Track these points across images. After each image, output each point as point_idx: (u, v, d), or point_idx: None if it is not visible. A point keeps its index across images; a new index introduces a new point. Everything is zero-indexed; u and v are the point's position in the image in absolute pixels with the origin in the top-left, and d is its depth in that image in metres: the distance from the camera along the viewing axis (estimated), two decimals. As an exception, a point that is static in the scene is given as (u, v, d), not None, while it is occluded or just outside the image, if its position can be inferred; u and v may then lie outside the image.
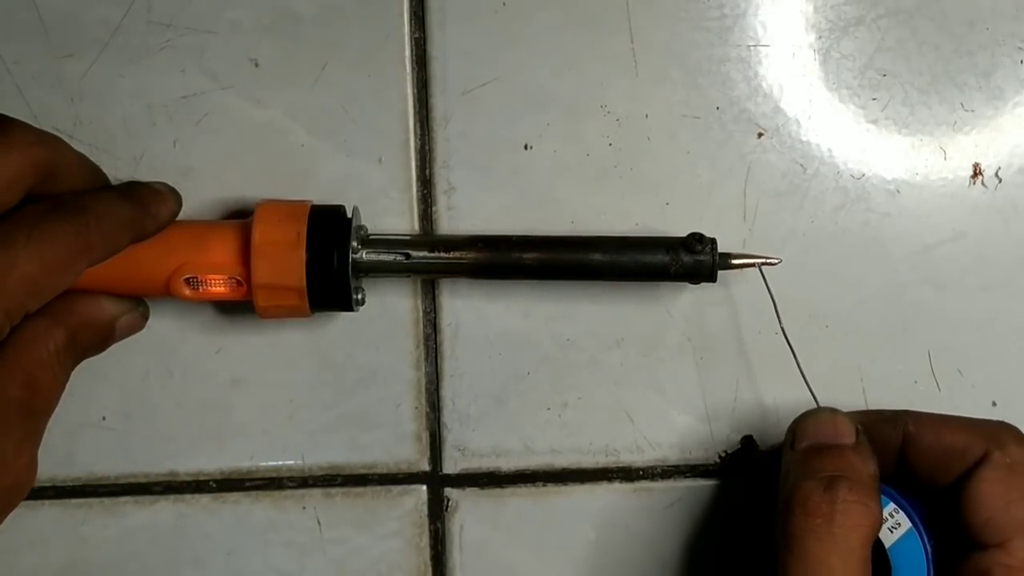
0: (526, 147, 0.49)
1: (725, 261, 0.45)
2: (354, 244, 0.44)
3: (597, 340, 0.50)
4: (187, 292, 0.44)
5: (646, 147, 0.49)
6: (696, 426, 0.51)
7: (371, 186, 0.49)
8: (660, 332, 0.50)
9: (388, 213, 0.49)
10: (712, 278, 0.45)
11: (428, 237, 0.47)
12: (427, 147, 0.49)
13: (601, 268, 0.45)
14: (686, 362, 0.50)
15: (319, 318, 0.49)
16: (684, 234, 0.46)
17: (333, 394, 0.50)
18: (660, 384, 0.51)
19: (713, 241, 0.44)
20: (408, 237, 0.47)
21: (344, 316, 0.49)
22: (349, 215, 0.46)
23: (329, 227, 0.43)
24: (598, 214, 0.50)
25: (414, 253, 0.45)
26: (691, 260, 0.44)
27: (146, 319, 0.46)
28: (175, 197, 0.44)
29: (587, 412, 0.50)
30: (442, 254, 0.45)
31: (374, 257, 0.45)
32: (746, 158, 0.50)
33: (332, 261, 0.43)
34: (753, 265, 0.46)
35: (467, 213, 0.50)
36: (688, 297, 0.50)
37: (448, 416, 0.50)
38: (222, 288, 0.44)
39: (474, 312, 0.50)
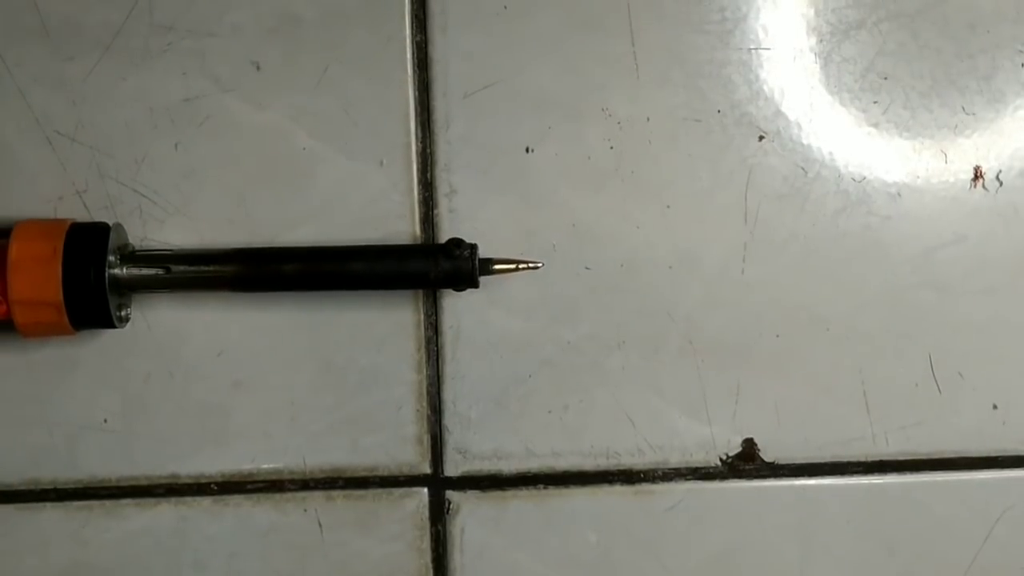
0: (527, 150, 0.49)
1: (487, 266, 0.46)
2: (112, 259, 0.44)
3: (598, 343, 0.50)
4: None
5: (647, 150, 0.49)
6: (697, 429, 0.51)
7: (372, 189, 0.49)
8: (662, 335, 0.50)
9: (390, 216, 0.49)
10: (474, 283, 0.45)
11: (189, 251, 0.47)
12: (428, 150, 0.49)
13: (361, 277, 0.45)
14: (687, 365, 0.50)
15: (320, 320, 0.49)
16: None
17: (334, 397, 0.50)
18: (661, 387, 0.50)
19: (473, 247, 0.45)
20: (170, 252, 0.46)
21: (346, 318, 0.49)
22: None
23: (87, 243, 0.43)
24: (599, 217, 0.49)
25: (174, 267, 0.45)
26: (450, 266, 0.44)
27: None
28: None
29: (588, 415, 0.50)
30: (202, 267, 0.45)
31: (135, 272, 0.45)
32: (747, 161, 0.50)
33: (89, 276, 0.43)
34: (515, 269, 0.46)
35: (468, 216, 0.49)
36: (690, 300, 0.50)
37: (449, 419, 0.50)
38: (-19, 306, 0.42)
39: (475, 315, 0.50)
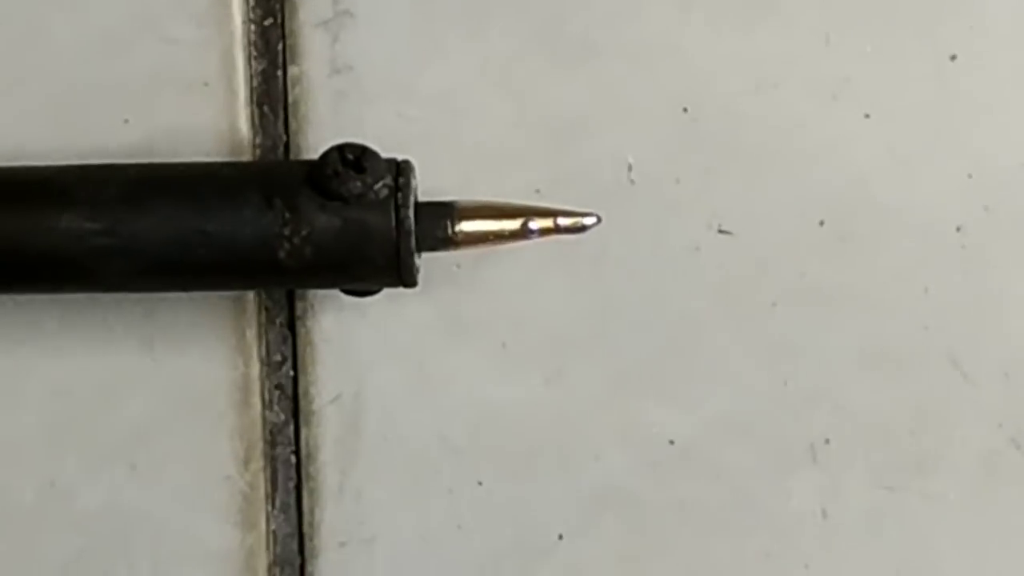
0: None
1: (439, 226, 0.27)
2: None
3: (751, 446, 0.29)
4: None
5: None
6: None
7: (128, 18, 0.30)
8: (941, 423, 0.29)
9: (172, 85, 0.29)
10: (403, 276, 0.26)
11: None
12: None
13: (81, 257, 0.26)
14: (1009, 497, 0.29)
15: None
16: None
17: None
18: (937, 554, 0.30)
19: (399, 169, 0.26)
20: None
21: (58, 374, 0.29)
22: None
23: None
24: (748, 86, 0.30)
25: None
26: (336, 224, 0.25)
27: None
28: None
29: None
30: None
31: None
32: None
33: None
34: (521, 234, 0.28)
35: (384, 85, 0.29)
36: (1016, 320, 0.29)
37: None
38: None
39: (405, 367, 0.30)
